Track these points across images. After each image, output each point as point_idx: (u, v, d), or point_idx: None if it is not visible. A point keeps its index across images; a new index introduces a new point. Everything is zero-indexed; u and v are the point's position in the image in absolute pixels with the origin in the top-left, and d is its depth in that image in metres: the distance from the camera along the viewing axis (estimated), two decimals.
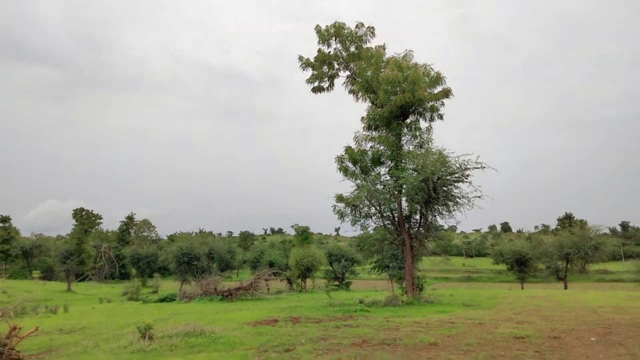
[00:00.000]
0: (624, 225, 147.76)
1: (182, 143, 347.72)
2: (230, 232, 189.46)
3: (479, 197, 17.04)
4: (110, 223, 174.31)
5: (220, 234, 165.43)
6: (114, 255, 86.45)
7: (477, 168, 16.95)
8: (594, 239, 42.70)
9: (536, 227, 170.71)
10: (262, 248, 63.66)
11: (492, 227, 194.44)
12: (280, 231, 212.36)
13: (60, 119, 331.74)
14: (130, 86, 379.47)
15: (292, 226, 47.68)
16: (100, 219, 76.93)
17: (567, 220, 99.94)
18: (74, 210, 74.97)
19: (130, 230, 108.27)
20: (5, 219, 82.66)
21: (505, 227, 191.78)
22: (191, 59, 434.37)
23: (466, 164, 16.99)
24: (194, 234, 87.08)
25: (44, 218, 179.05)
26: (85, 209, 76.97)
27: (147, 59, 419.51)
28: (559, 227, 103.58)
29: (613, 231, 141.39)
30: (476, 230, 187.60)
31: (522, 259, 50.15)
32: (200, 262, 46.31)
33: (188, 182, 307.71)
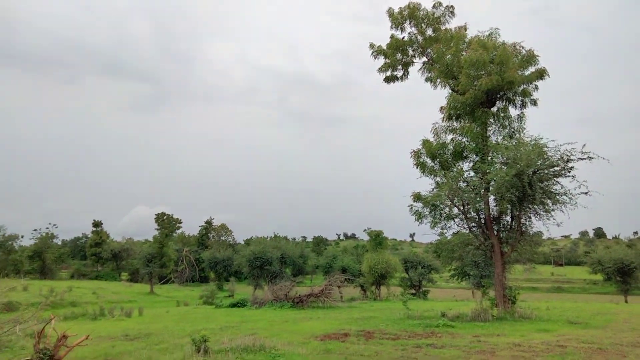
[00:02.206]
0: None
1: (258, 150, 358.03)
2: (304, 236, 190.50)
3: (586, 193, 14.32)
4: (191, 228, 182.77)
5: (294, 239, 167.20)
6: (194, 258, 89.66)
7: (582, 159, 14.24)
8: None
9: (635, 232, 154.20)
10: (335, 253, 62.49)
11: (584, 233, 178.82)
12: (353, 236, 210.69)
13: (149, 130, 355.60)
14: (210, 96, 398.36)
15: (365, 230, 45.99)
16: (180, 222, 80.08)
17: None
18: (156, 214, 78.89)
19: (209, 234, 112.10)
20: (98, 224, 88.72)
21: (599, 233, 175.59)
22: (266, 67, 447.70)
23: (569, 154, 14.33)
24: (268, 238, 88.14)
25: (135, 224, 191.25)
26: (166, 213, 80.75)
27: (226, 69, 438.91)
28: None
29: None
30: (565, 237, 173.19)
31: (625, 268, 44.42)
32: (273, 266, 45.92)
33: (264, 187, 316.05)
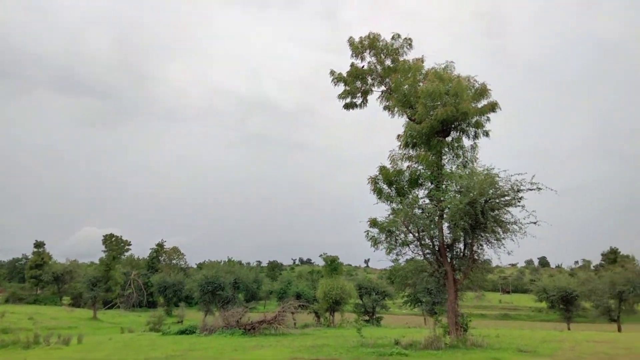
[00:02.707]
0: None
1: (215, 172, 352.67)
2: (259, 261, 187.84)
3: (535, 223, 14.85)
4: (142, 251, 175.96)
5: (248, 263, 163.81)
6: (142, 282, 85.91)
7: (532, 190, 14.82)
8: None
9: (576, 262, 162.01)
10: (290, 278, 61.61)
11: (529, 262, 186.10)
12: (308, 261, 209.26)
13: (102, 147, 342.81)
14: (167, 115, 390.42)
15: (321, 255, 45.64)
16: (130, 244, 76.94)
17: (612, 255, 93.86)
18: (103, 236, 75.39)
19: (160, 257, 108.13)
20: (40, 244, 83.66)
21: (543, 262, 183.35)
22: (226, 90, 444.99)
23: (519, 184, 14.88)
24: (222, 262, 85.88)
25: (81, 245, 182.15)
26: (115, 235, 77.31)
27: (185, 88, 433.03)
28: (603, 262, 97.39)
29: None
30: (512, 265, 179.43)
31: (568, 296, 46.26)
32: (225, 291, 44.65)
33: (219, 210, 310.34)
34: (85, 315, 57.02)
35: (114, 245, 74.09)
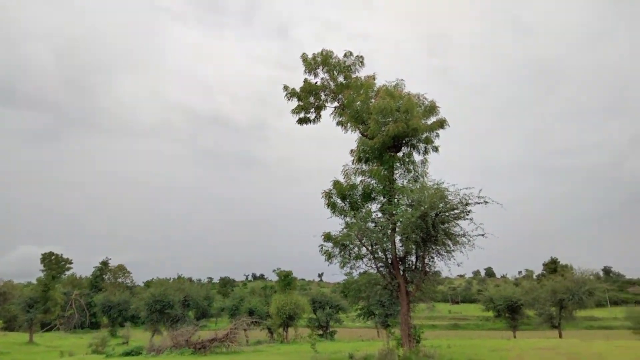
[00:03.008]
0: (607, 271, 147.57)
1: (165, 187, 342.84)
2: (210, 278, 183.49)
3: (482, 235, 15.40)
4: (85, 269, 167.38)
5: (199, 280, 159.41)
6: (85, 302, 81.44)
7: (479, 203, 15.38)
8: (587, 283, 41.20)
9: (520, 272, 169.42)
10: (242, 295, 60.36)
11: (477, 273, 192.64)
12: (261, 277, 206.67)
13: (45, 162, 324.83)
14: (116, 130, 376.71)
15: (274, 270, 45.17)
16: (71, 263, 73.09)
17: (552, 265, 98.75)
18: (42, 254, 71.16)
19: (104, 276, 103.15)
20: None
21: (490, 272, 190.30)
22: (178, 105, 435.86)
23: (467, 198, 15.42)
24: (171, 280, 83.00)
25: (17, 264, 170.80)
26: (54, 253, 73.17)
27: (135, 103, 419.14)
28: (544, 272, 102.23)
29: (597, 276, 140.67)
30: (460, 276, 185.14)
31: (513, 305, 48.14)
32: (174, 310, 43.09)
33: (169, 226, 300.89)
34: (20, 339, 53.20)
35: (54, 264, 70.09)
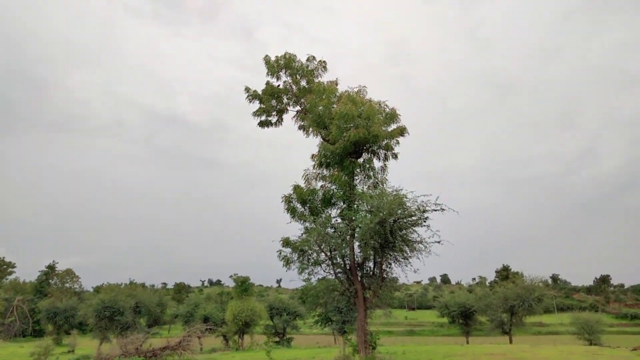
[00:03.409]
0: (555, 278, 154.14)
1: (118, 187, 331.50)
2: (165, 283, 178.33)
3: (439, 242, 15.61)
4: (29, 274, 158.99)
5: (153, 286, 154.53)
6: (28, 309, 77.08)
7: (436, 210, 15.58)
8: (536, 290, 42.77)
9: (474, 279, 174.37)
10: (197, 301, 58.82)
11: (433, 279, 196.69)
12: (218, 283, 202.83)
13: None
14: (67, 126, 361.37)
15: (231, 276, 44.37)
16: (14, 267, 69.05)
17: (504, 272, 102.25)
18: None
19: (50, 281, 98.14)
20: None
21: (445, 279, 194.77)
22: (134, 102, 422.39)
23: (425, 205, 15.59)
24: (122, 285, 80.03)
25: None
26: None
27: (88, 99, 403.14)
28: (497, 279, 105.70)
29: (545, 284, 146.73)
30: (417, 282, 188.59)
31: (467, 311, 49.35)
32: (125, 316, 41.43)
33: (122, 229, 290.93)
34: None
35: None
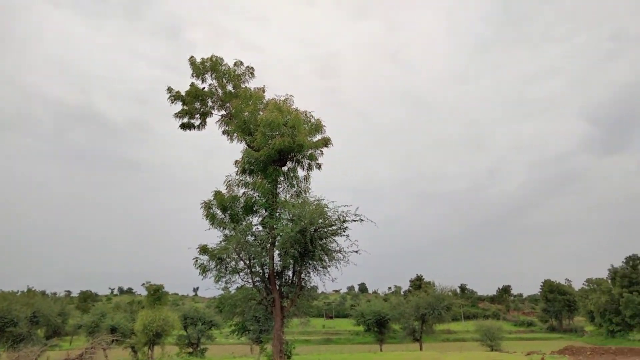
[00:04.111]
0: (463, 288, 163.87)
1: (20, 186, 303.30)
2: (69, 291, 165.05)
3: (357, 251, 15.98)
4: None
5: (55, 294, 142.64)
6: None
7: (355, 221, 15.96)
8: (446, 299, 45.31)
9: (390, 288, 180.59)
10: (104, 310, 55.14)
11: (351, 288, 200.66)
12: (130, 291, 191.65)
13: None
14: None
15: (143, 284, 42.14)
16: None
17: (418, 282, 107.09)
18: None
19: None
20: None
21: (363, 288, 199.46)
22: (44, 96, 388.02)
23: (345, 215, 15.91)
24: (19, 293, 73.05)
25: None
26: None
27: None
28: (410, 288, 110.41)
29: (454, 293, 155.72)
30: (336, 291, 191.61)
31: (382, 320, 50.97)
32: (19, 327, 37.79)
33: (21, 231, 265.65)
34: None
35: None
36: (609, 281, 75.86)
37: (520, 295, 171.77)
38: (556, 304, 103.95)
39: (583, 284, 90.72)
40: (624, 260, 73.87)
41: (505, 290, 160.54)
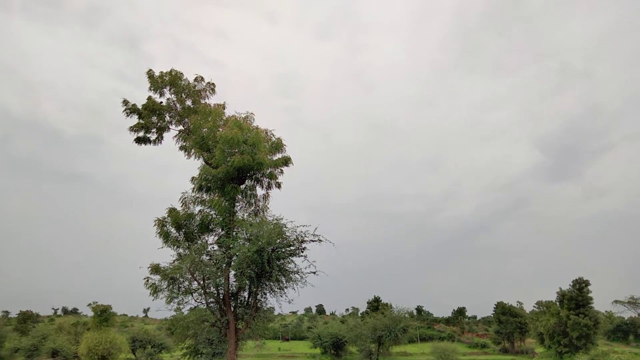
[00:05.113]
0: (419, 310, 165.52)
1: None
2: (6, 311, 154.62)
3: (314, 272, 15.77)
4: None
5: None
6: None
7: (314, 241, 15.79)
8: (402, 321, 45.51)
9: (347, 309, 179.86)
10: (46, 332, 51.83)
11: (308, 310, 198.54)
12: (75, 311, 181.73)
13: None
14: None
15: (89, 304, 40.04)
16: None
17: (375, 303, 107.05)
18: None
19: None
20: None
21: (320, 310, 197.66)
22: None
23: (303, 235, 15.71)
24: None
25: None
26: None
27: None
28: (368, 310, 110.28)
29: (411, 314, 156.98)
30: (293, 313, 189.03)
31: (338, 342, 50.53)
32: None
33: None
34: None
35: None
36: (557, 304, 78.50)
37: (475, 317, 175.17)
38: (508, 325, 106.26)
39: (534, 306, 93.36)
40: (571, 284, 76.76)
41: (460, 312, 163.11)
